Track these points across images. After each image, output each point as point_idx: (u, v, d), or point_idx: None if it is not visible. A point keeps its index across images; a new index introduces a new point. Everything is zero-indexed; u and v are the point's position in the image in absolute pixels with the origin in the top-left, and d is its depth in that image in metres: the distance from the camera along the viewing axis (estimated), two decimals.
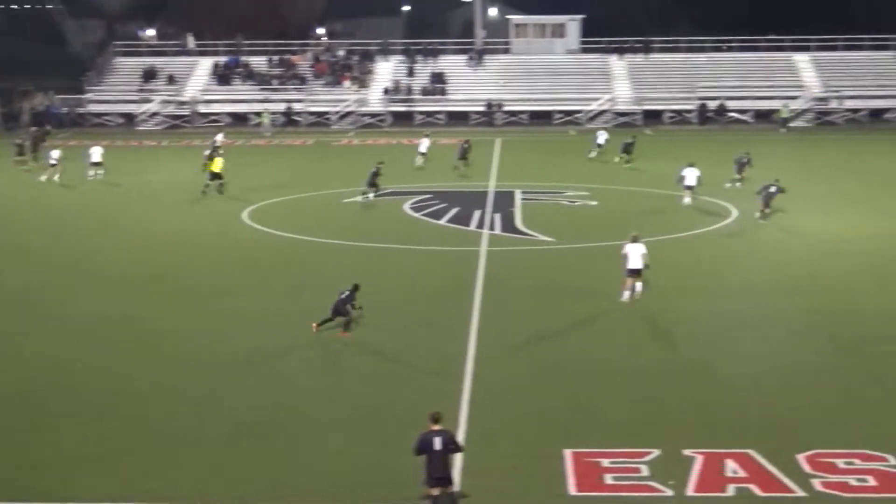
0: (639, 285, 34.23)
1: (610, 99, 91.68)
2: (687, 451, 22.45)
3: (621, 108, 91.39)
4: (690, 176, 51.32)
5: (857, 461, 22.06)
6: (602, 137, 68.50)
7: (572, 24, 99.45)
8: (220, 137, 69.57)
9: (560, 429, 23.92)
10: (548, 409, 25.15)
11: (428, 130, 74.14)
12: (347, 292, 31.17)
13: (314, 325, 30.92)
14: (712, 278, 37.54)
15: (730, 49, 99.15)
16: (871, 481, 21.25)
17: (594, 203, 52.54)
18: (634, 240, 34.05)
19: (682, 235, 44.73)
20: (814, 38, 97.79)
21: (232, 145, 72.75)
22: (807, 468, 21.73)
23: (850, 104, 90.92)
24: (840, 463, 21.96)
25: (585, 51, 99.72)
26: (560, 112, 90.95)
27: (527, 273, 38.59)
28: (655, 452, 22.43)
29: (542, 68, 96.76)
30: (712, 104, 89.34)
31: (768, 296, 35.19)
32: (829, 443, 22.86)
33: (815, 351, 29.64)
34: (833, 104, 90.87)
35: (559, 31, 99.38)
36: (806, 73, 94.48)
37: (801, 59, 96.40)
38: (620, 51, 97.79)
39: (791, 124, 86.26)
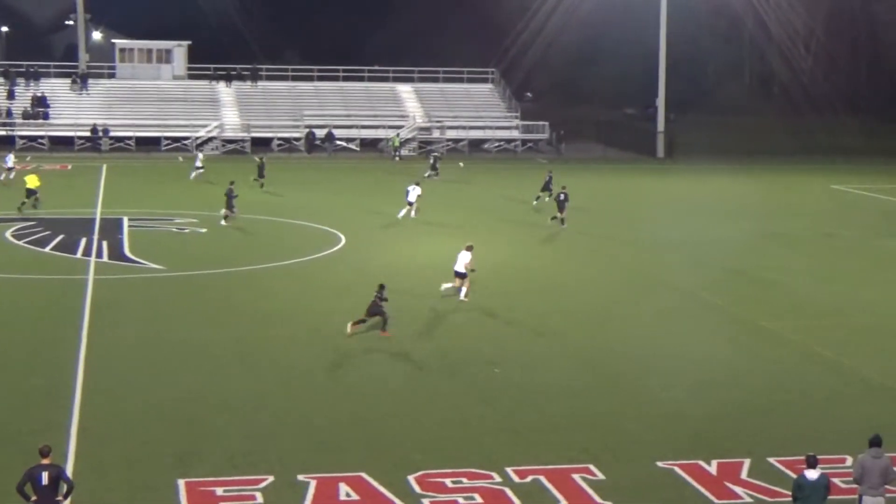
0: (463, 288, 38.00)
1: (218, 126, 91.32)
2: (301, 477, 22.61)
3: (230, 135, 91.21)
4: (412, 193, 55.14)
5: (464, 480, 22.81)
6: (432, 158, 73.14)
7: (179, 49, 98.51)
8: (10, 158, 67.27)
9: (174, 459, 23.57)
10: (161, 440, 24.74)
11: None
12: (377, 293, 33.29)
13: (350, 325, 33.28)
14: (318, 303, 37.95)
15: (336, 78, 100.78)
16: (478, 498, 22.02)
17: (203, 230, 52.15)
18: (468, 248, 38.29)
19: (290, 262, 44.99)
20: (416, 70, 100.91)
21: None
22: (417, 489, 22.30)
23: (451, 134, 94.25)
24: (448, 482, 22.66)
25: (192, 77, 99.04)
26: (168, 138, 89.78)
27: (136, 301, 37.87)
28: (269, 479, 22.47)
29: (149, 94, 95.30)
30: (320, 132, 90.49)
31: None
32: (438, 463, 23.54)
33: (419, 372, 30.47)
34: (435, 134, 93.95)
35: (165, 56, 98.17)
36: (409, 104, 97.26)
37: (405, 90, 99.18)
38: (228, 78, 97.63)
39: (402, 152, 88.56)
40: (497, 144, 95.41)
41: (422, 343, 33.40)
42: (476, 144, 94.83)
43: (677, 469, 23.61)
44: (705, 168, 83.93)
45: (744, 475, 23.38)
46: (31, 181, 56.05)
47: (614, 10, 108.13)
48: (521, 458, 23.93)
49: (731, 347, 33.72)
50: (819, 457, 19.83)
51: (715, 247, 50.75)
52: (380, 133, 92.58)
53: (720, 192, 70.80)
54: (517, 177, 75.03)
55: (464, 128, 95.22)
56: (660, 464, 23.87)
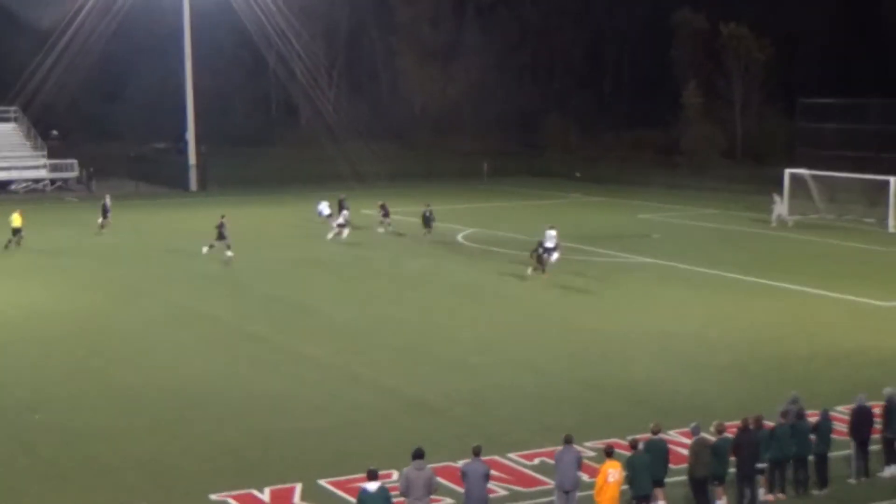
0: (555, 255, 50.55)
1: None
2: None
3: None
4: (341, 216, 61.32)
5: None
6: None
7: None
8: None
9: None
10: None
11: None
12: (540, 248, 48.94)
13: (531, 271, 48.99)
14: None
15: None
16: None
17: None
18: (551, 227, 50.99)
19: None
20: None
21: None
22: None
23: None
24: None
25: None
26: None
27: None
28: None
29: None
30: None
31: None
32: None
33: None
34: None
35: None
36: None
37: None
38: None
39: None
40: (25, 185, 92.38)
41: None
42: (2, 186, 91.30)
43: (231, 500, 23.75)
44: (239, 199, 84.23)
45: (296, 499, 23.81)
46: (17, 220, 57.87)
47: (138, 44, 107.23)
48: None
49: (274, 375, 34.11)
50: None
51: (252, 275, 51.27)
52: None
53: (253, 221, 71.37)
54: (47, 216, 72.94)
55: None
56: (213, 496, 23.91)
